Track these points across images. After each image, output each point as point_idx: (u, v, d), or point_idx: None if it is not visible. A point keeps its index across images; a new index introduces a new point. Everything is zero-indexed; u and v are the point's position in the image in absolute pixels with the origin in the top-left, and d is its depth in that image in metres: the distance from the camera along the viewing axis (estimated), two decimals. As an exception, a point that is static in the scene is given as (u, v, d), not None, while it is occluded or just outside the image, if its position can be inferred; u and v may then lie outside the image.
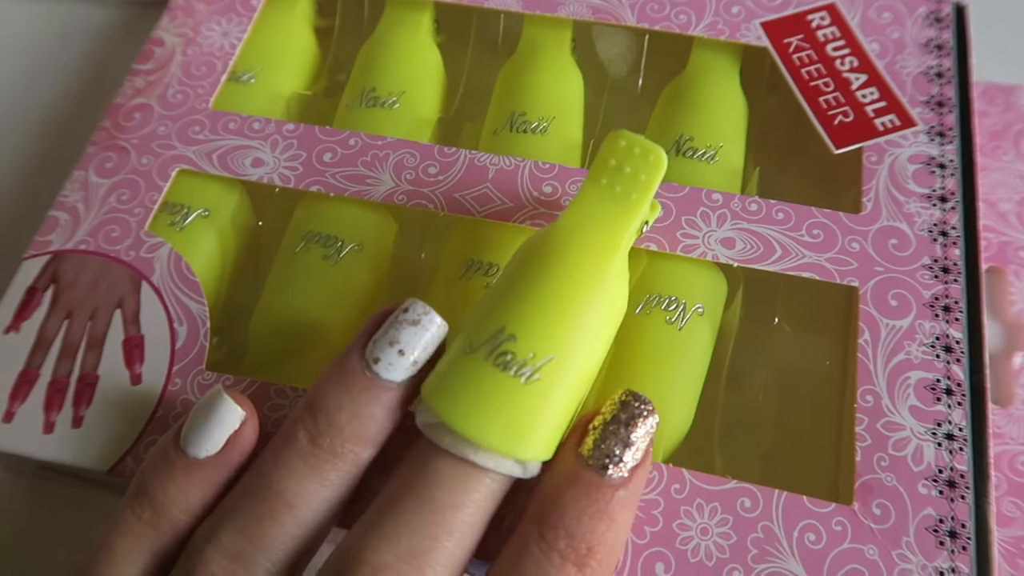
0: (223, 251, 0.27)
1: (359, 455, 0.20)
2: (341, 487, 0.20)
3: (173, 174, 0.27)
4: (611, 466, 0.19)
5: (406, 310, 0.20)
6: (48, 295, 0.25)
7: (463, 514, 0.19)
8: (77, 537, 0.25)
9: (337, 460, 0.19)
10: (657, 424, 0.19)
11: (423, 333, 0.20)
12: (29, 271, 0.25)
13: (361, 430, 0.20)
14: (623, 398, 0.19)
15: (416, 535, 0.18)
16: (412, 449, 0.20)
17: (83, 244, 0.25)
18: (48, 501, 0.26)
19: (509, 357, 0.19)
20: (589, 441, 0.19)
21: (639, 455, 0.19)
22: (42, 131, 0.32)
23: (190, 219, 0.26)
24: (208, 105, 0.28)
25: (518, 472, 0.19)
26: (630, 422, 0.19)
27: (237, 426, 0.20)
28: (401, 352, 0.20)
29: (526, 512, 0.19)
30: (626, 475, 0.19)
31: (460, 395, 0.19)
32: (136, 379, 0.23)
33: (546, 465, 0.20)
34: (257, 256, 0.28)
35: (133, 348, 0.24)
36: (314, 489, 0.19)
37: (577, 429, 0.20)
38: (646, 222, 0.22)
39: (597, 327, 0.20)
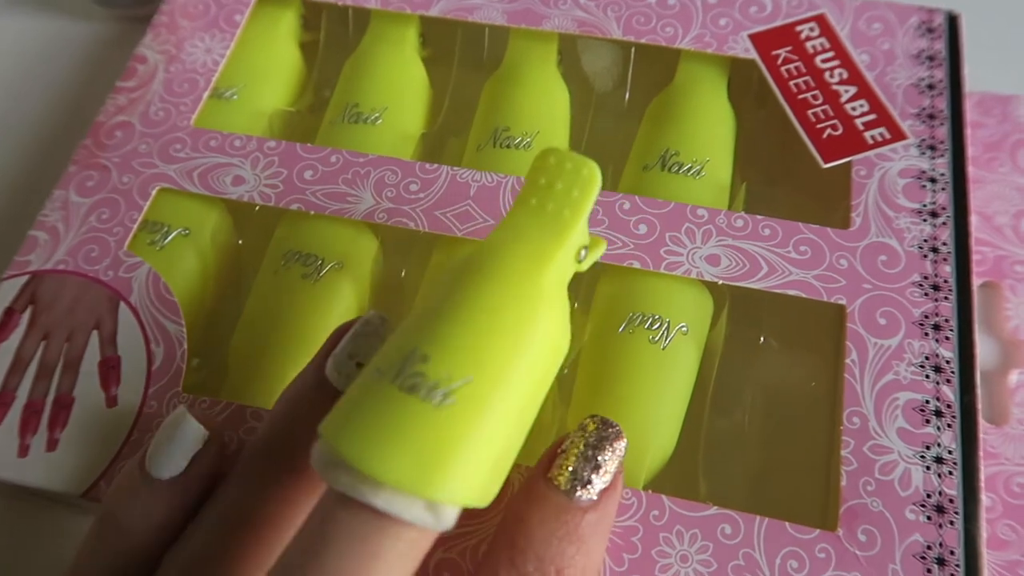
0: (204, 270, 0.26)
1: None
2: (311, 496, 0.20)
3: (153, 193, 0.26)
4: (579, 488, 0.18)
5: (365, 323, 0.20)
6: (26, 316, 0.25)
7: (375, 562, 0.15)
8: (54, 558, 0.25)
9: (296, 476, 0.19)
10: (626, 448, 0.19)
11: (377, 342, 0.20)
12: (7, 292, 0.25)
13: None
14: (590, 422, 0.19)
15: None
16: (317, 503, 0.17)
17: (62, 264, 0.25)
18: (24, 521, 0.26)
19: (419, 380, 0.16)
20: (557, 464, 0.19)
21: (608, 478, 0.19)
22: (27, 149, 0.32)
23: (170, 238, 0.26)
24: (190, 122, 0.28)
25: (428, 522, 0.16)
26: (598, 445, 0.19)
27: (200, 446, 0.20)
28: (360, 365, 0.19)
29: (495, 537, 0.19)
30: (595, 498, 0.19)
31: (358, 423, 0.16)
32: (112, 401, 0.23)
33: (481, 512, 0.19)
34: (238, 275, 0.27)
35: (109, 370, 0.24)
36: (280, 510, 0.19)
37: (546, 455, 0.19)
38: (585, 248, 0.20)
39: (526, 352, 0.17)
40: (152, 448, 0.20)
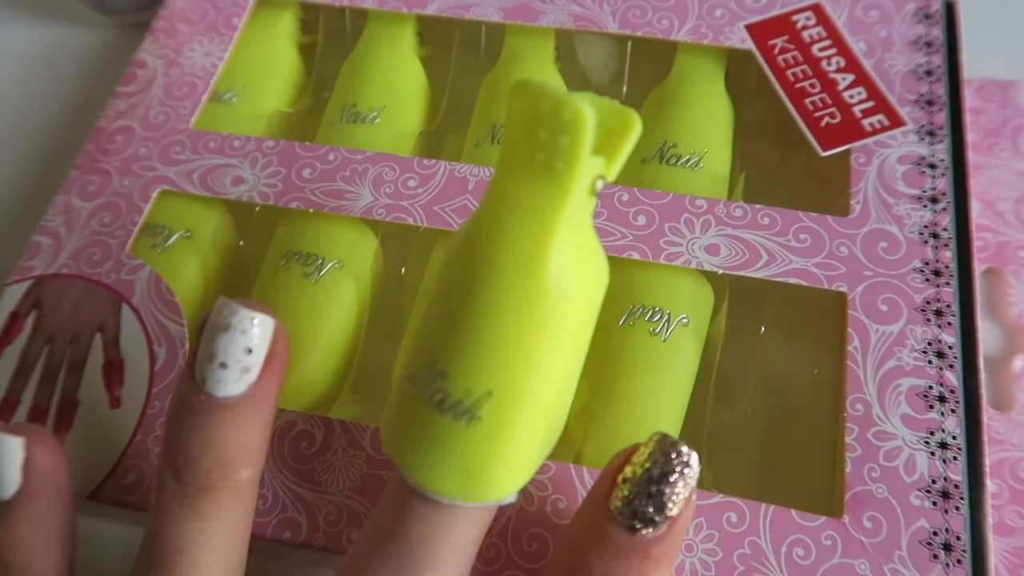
0: (205, 272, 0.26)
1: (233, 480, 0.18)
2: (230, 515, 0.19)
3: (154, 195, 0.26)
4: (642, 528, 0.16)
5: (214, 314, 0.18)
6: (30, 320, 0.25)
7: (443, 546, 0.18)
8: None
9: (210, 493, 0.18)
10: (699, 472, 0.17)
11: (238, 337, 0.18)
12: (12, 297, 0.25)
13: (220, 458, 0.18)
14: (656, 448, 0.17)
15: (397, 574, 0.18)
16: (390, 481, 0.19)
17: (65, 268, 0.25)
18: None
19: (443, 398, 0.17)
20: (619, 494, 0.17)
21: (676, 511, 0.17)
22: (30, 155, 0.33)
23: (171, 240, 0.26)
24: (189, 125, 0.28)
25: (491, 504, 0.18)
26: (663, 479, 0.16)
27: (22, 456, 0.19)
28: (223, 365, 0.18)
29: (552, 561, 0.19)
30: (662, 531, 0.17)
31: (410, 443, 0.17)
32: (115, 402, 0.23)
33: (551, 463, 0.19)
34: (240, 276, 0.27)
35: (113, 371, 0.24)
36: (198, 527, 0.18)
37: (607, 476, 0.18)
38: (601, 177, 0.17)
39: (544, 344, 0.17)
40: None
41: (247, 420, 0.18)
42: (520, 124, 0.17)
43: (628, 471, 0.17)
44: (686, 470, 0.17)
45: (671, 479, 0.16)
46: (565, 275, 0.17)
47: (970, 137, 0.30)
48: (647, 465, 0.17)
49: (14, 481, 0.19)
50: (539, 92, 0.16)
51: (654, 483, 0.16)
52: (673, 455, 0.17)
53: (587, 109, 0.16)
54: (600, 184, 0.17)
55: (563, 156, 0.16)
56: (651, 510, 0.16)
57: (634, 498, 0.17)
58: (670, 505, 0.16)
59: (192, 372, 0.18)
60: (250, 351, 0.18)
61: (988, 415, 0.25)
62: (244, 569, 0.19)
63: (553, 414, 0.18)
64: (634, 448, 0.17)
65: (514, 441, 0.17)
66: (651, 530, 0.17)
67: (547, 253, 0.16)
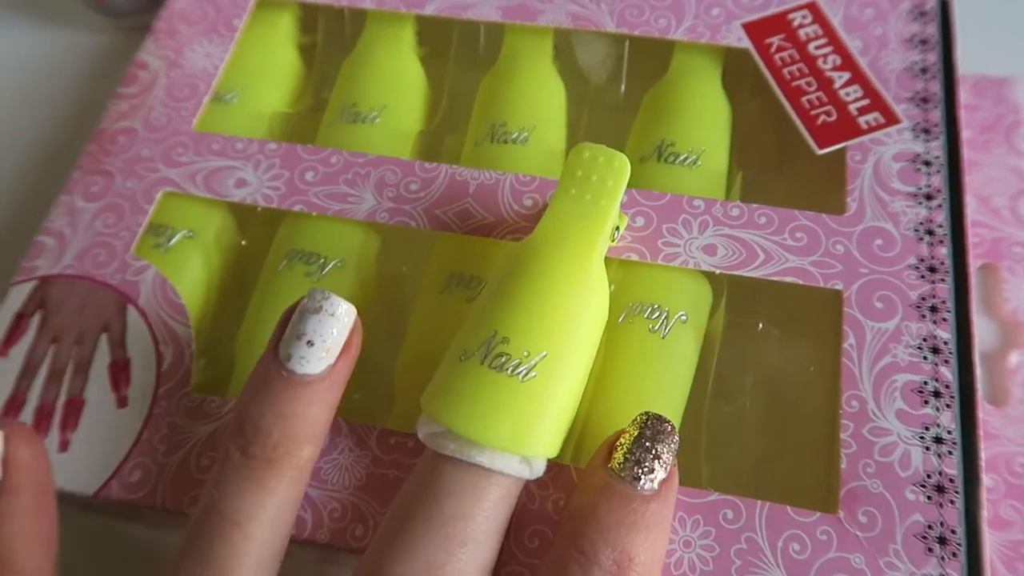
0: (208, 271, 0.27)
1: (296, 456, 0.19)
2: (286, 493, 0.20)
3: (158, 196, 0.27)
4: (643, 477, 0.19)
5: (307, 299, 0.20)
6: (35, 320, 0.25)
7: (475, 523, 0.19)
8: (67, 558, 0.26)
9: (274, 467, 0.19)
10: (679, 444, 0.20)
11: (328, 319, 0.20)
12: (17, 297, 0.25)
13: (290, 431, 0.19)
14: (645, 418, 0.20)
15: (430, 550, 0.18)
16: (419, 462, 0.20)
17: (69, 269, 0.26)
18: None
19: (504, 359, 0.19)
20: (619, 455, 0.19)
21: (667, 469, 0.19)
22: (34, 156, 0.33)
23: (175, 240, 0.27)
24: (191, 126, 0.28)
25: (525, 472, 0.20)
26: (655, 438, 0.19)
27: (1, 450, 0.20)
28: (310, 343, 0.20)
29: (560, 532, 0.19)
30: (656, 488, 0.19)
31: (462, 400, 0.19)
32: (122, 402, 0.24)
33: (553, 464, 0.20)
34: (243, 275, 0.28)
35: (119, 371, 0.24)
36: (257, 500, 0.19)
37: (603, 449, 0.20)
38: (617, 228, 0.23)
39: (584, 324, 0.20)
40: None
41: (320, 399, 0.20)
42: (578, 172, 0.22)
43: (624, 438, 0.20)
44: (672, 437, 0.19)
45: (660, 439, 0.19)
46: (597, 282, 0.21)
47: (965, 134, 0.30)
48: (638, 431, 0.19)
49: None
50: (597, 149, 0.22)
51: (648, 440, 0.19)
52: (659, 423, 0.20)
53: (628, 162, 0.22)
54: (617, 234, 0.23)
55: (608, 194, 0.21)
56: (648, 461, 0.19)
57: (632, 451, 0.19)
58: (662, 460, 0.19)
59: (276, 351, 0.20)
60: (334, 334, 0.20)
61: (984, 410, 0.25)
62: (284, 555, 0.20)
63: (580, 388, 0.21)
64: (623, 429, 0.20)
65: (559, 399, 0.20)
66: (649, 481, 0.19)
67: (592, 253, 0.21)
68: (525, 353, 0.19)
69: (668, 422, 0.20)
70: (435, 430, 0.20)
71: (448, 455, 0.19)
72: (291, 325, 0.20)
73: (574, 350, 0.20)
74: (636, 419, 0.20)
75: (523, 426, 0.19)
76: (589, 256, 0.21)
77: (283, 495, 0.19)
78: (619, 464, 0.19)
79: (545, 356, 0.19)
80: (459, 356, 0.20)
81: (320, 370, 0.20)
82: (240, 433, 0.19)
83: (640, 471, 0.19)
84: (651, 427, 0.19)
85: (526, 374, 0.19)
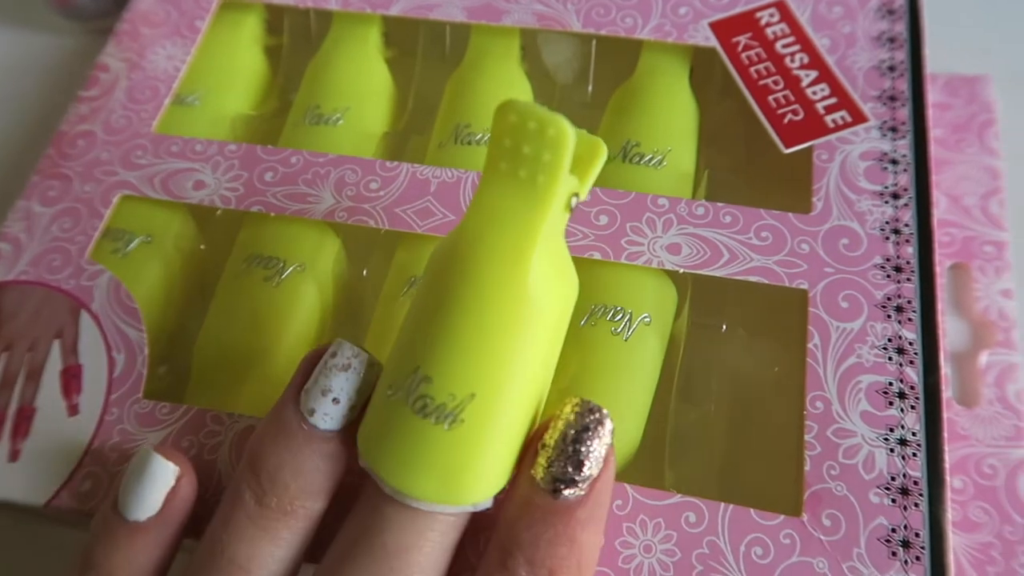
0: (168, 276, 0.26)
1: (310, 509, 0.19)
2: (295, 544, 0.19)
3: (115, 200, 0.26)
4: (564, 489, 0.18)
5: (335, 355, 0.19)
6: (-12, 327, 0.24)
7: (418, 555, 0.18)
8: (19, 570, 0.25)
9: (288, 518, 0.19)
10: (612, 431, 0.18)
11: (355, 378, 0.19)
12: (-30, 304, 0.25)
13: (307, 485, 0.19)
14: (570, 410, 0.18)
15: None
16: (363, 491, 0.19)
17: (24, 274, 0.25)
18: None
19: (427, 402, 0.17)
20: (540, 461, 0.18)
21: (595, 470, 0.18)
22: (-4, 161, 0.32)
23: (132, 245, 0.26)
24: (151, 129, 0.28)
25: (468, 508, 0.18)
26: (580, 437, 0.18)
27: (172, 483, 0.20)
28: (336, 400, 0.19)
29: (490, 544, 0.19)
30: (583, 493, 0.18)
31: (388, 448, 0.18)
32: (73, 410, 0.23)
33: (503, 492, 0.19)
34: (202, 280, 0.27)
35: (71, 378, 0.23)
36: (268, 551, 0.19)
37: (530, 448, 0.19)
38: (575, 195, 0.19)
39: (525, 347, 0.18)
40: (124, 490, 0.20)
41: (340, 454, 0.19)
42: (505, 140, 0.18)
43: (547, 437, 0.18)
44: (600, 427, 0.18)
45: (586, 436, 0.18)
46: (543, 282, 0.18)
47: (937, 133, 0.30)
48: (562, 427, 0.18)
49: (156, 504, 0.19)
50: (525, 111, 0.17)
51: (570, 443, 0.18)
52: (586, 414, 0.18)
53: (569, 127, 0.17)
54: (575, 201, 0.19)
55: (545, 170, 0.17)
56: (570, 469, 0.17)
57: (554, 461, 0.18)
58: (587, 463, 0.18)
59: (297, 401, 0.19)
60: (359, 392, 0.19)
61: (954, 411, 0.25)
62: None
63: (529, 411, 0.19)
64: (550, 418, 0.18)
65: (493, 443, 0.18)
66: (573, 491, 0.17)
67: (528, 260, 0.17)
68: (450, 396, 0.17)
69: (596, 411, 0.18)
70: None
71: (387, 493, 0.18)
72: (317, 378, 0.19)
73: (511, 385, 0.17)
74: (561, 411, 0.18)
75: (454, 477, 0.17)
76: (526, 256, 0.17)
77: (293, 546, 0.19)
78: (539, 476, 0.18)
79: (473, 398, 0.17)
80: (387, 387, 0.18)
81: (341, 427, 0.19)
82: (256, 481, 0.19)
83: (560, 484, 0.17)
84: (575, 424, 0.18)
85: (452, 421, 0.17)
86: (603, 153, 0.19)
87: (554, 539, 0.17)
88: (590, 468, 0.18)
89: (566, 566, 0.18)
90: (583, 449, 0.18)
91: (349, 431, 0.19)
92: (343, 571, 0.18)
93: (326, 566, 0.18)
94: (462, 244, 0.18)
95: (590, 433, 0.18)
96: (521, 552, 0.18)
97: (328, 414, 0.19)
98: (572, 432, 0.18)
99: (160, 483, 0.20)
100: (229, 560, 0.18)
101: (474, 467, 0.17)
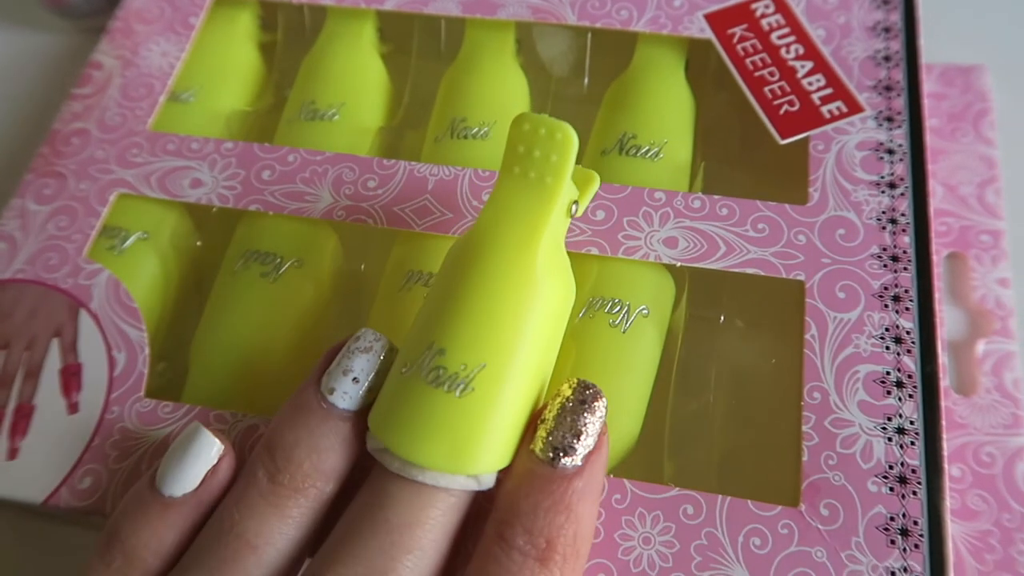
0: (165, 274, 0.26)
1: (321, 490, 0.19)
2: (304, 525, 0.19)
3: (111, 198, 0.26)
4: (562, 457, 0.18)
5: (357, 339, 0.20)
6: (-14, 327, 0.24)
7: (421, 532, 0.18)
8: (18, 568, 0.25)
9: (299, 496, 0.19)
10: (606, 408, 0.19)
11: (375, 359, 0.20)
12: (-33, 303, 0.25)
13: (321, 464, 0.19)
14: (567, 387, 0.19)
15: (374, 558, 0.18)
16: (369, 474, 0.20)
17: (20, 273, 0.25)
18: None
19: (441, 372, 0.18)
20: (539, 434, 0.19)
21: (591, 442, 0.19)
22: (-8, 161, 0.32)
23: (129, 243, 0.26)
24: (146, 126, 0.28)
25: (472, 485, 0.19)
26: (577, 410, 0.19)
27: (215, 461, 0.20)
28: (355, 380, 0.20)
29: (489, 519, 0.19)
30: (580, 464, 0.18)
31: (399, 419, 0.18)
32: (73, 408, 0.23)
33: (504, 471, 0.19)
34: (199, 276, 0.27)
35: (70, 377, 0.23)
36: (276, 527, 0.19)
37: (529, 427, 0.19)
38: (575, 202, 0.21)
39: (530, 326, 0.19)
40: (166, 464, 0.20)
41: (354, 441, 0.20)
42: (519, 147, 0.20)
43: (546, 412, 0.19)
44: (595, 402, 0.19)
45: (583, 409, 0.19)
46: (547, 268, 0.20)
47: (932, 122, 0.30)
48: (561, 402, 0.19)
49: (195, 481, 0.20)
50: (537, 120, 0.20)
51: (569, 413, 0.19)
52: (583, 390, 0.19)
53: (573, 132, 0.20)
54: (575, 208, 0.21)
55: (553, 171, 0.20)
56: (568, 437, 0.18)
57: (552, 431, 0.19)
58: (585, 433, 0.19)
59: (318, 383, 0.20)
60: (378, 374, 0.20)
61: (951, 400, 0.25)
62: None
63: (533, 390, 0.19)
64: (546, 403, 0.20)
65: (501, 413, 0.19)
66: (571, 459, 0.18)
67: (536, 247, 0.19)
68: (462, 366, 0.18)
69: (591, 388, 0.19)
70: (379, 446, 0.19)
71: (393, 471, 0.18)
72: (340, 361, 0.20)
73: (518, 357, 0.19)
74: (560, 390, 0.19)
75: (463, 444, 0.18)
76: (533, 245, 0.19)
77: (303, 526, 0.19)
78: (538, 445, 0.19)
79: (484, 367, 0.18)
80: (401, 368, 0.19)
81: (357, 407, 0.20)
82: (270, 458, 0.19)
83: (559, 452, 0.18)
84: (573, 399, 0.19)
85: (464, 388, 0.18)
86: (597, 181, 0.23)
87: (552, 507, 0.18)
88: (587, 438, 0.19)
89: (563, 535, 0.18)
90: (580, 419, 0.19)
91: (364, 422, 0.20)
92: (345, 546, 0.18)
93: (329, 543, 0.19)
94: (476, 236, 0.20)
95: (587, 406, 0.19)
96: (520, 521, 0.18)
97: (347, 392, 0.19)
98: (570, 405, 0.19)
99: (203, 459, 0.20)
100: (237, 535, 0.19)
101: (482, 436, 0.18)
